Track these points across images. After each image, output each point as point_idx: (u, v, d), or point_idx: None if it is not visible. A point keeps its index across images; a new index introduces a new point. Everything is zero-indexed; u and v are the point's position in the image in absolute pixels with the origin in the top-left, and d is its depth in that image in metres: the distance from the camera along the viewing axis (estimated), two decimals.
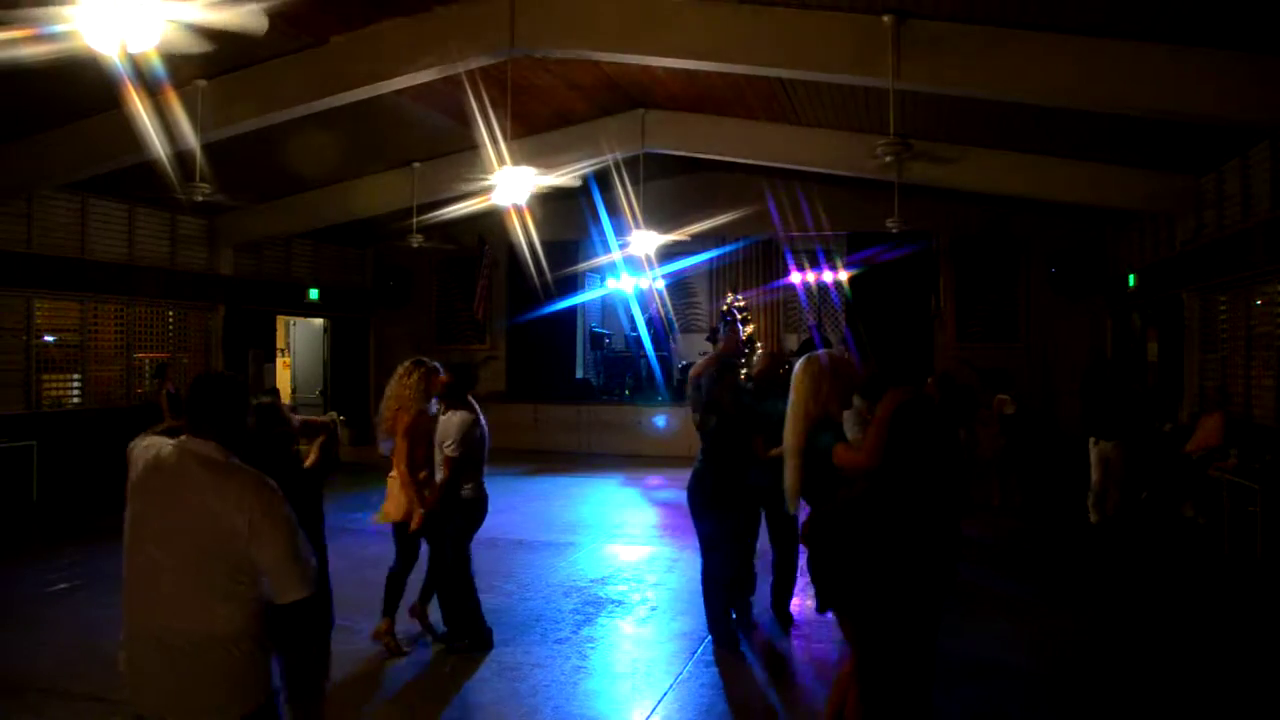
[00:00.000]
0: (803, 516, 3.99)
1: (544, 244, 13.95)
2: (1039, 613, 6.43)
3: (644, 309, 16.62)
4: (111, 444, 3.06)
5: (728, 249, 16.55)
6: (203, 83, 8.28)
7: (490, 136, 8.89)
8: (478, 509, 5.50)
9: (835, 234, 14.97)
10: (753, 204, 14.35)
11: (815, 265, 16.16)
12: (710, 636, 5.61)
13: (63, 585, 6.95)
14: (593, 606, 6.51)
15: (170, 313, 13.12)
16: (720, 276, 17.10)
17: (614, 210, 13.48)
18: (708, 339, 16.44)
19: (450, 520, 5.41)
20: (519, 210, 9.59)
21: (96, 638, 5.07)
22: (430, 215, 12.69)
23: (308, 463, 3.98)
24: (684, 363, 15.54)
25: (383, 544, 5.60)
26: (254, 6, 4.68)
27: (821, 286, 16.50)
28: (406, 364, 5.56)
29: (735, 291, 16.20)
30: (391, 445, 5.43)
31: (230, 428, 2.71)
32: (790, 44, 7.45)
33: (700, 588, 5.72)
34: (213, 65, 8.01)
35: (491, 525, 6.23)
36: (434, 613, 5.67)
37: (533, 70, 9.39)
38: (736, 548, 5.73)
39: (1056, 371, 14.27)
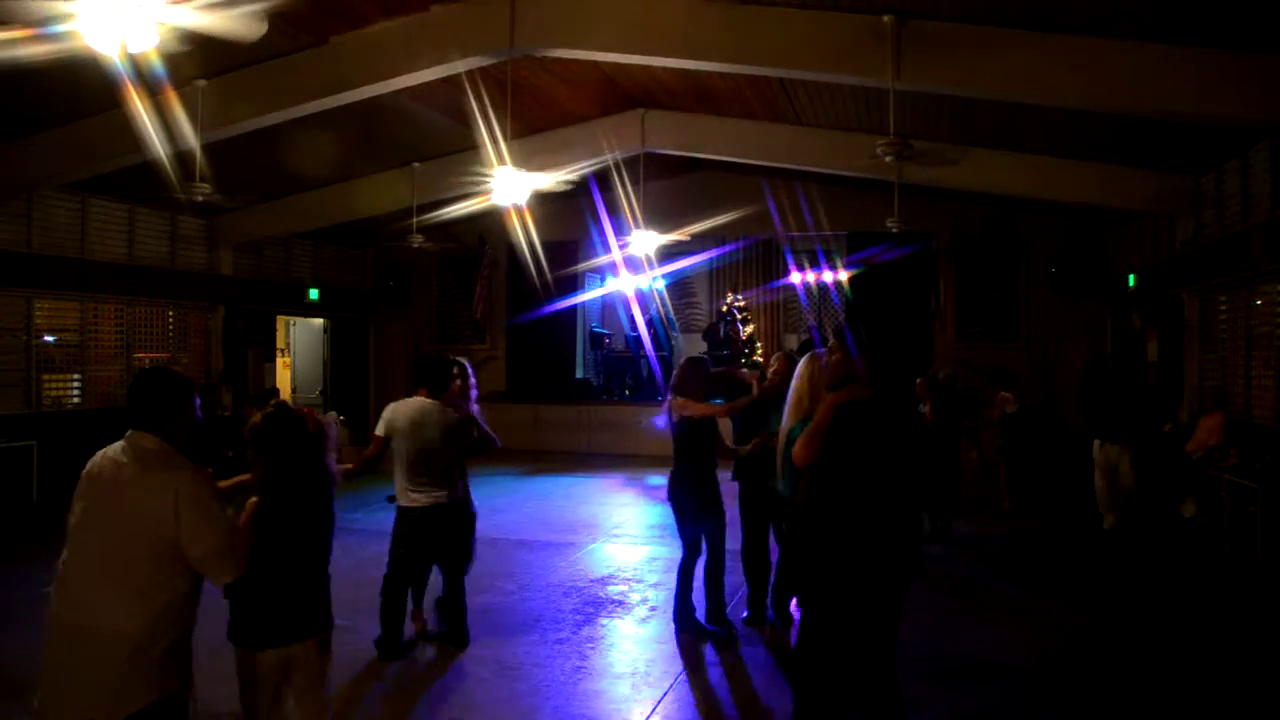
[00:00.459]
0: None
1: (544, 244, 13.95)
2: (1040, 613, 6.43)
3: (644, 309, 16.62)
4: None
5: (728, 249, 16.56)
6: (203, 83, 8.28)
7: (490, 136, 8.89)
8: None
9: (835, 234, 14.98)
10: (753, 204, 14.33)
11: (815, 265, 16.18)
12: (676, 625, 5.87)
13: None
14: (593, 606, 6.51)
15: (170, 313, 13.12)
16: (720, 276, 17.13)
17: (614, 210, 13.48)
18: (704, 338, 16.46)
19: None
20: (519, 210, 9.60)
21: None
22: (430, 215, 12.68)
23: (345, 468, 4.15)
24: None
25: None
26: (250, 9, 4.67)
27: (821, 286, 16.50)
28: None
29: (735, 291, 16.23)
30: None
31: (169, 421, 2.79)
32: (790, 44, 7.44)
33: (701, 584, 5.86)
34: (213, 65, 8.01)
35: (492, 525, 6.26)
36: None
37: (533, 70, 9.39)
38: (719, 543, 5.87)
39: (1057, 371, 14.28)
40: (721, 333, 16.15)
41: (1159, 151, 9.83)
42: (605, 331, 17.65)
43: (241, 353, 14.26)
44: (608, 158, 11.66)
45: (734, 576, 6.47)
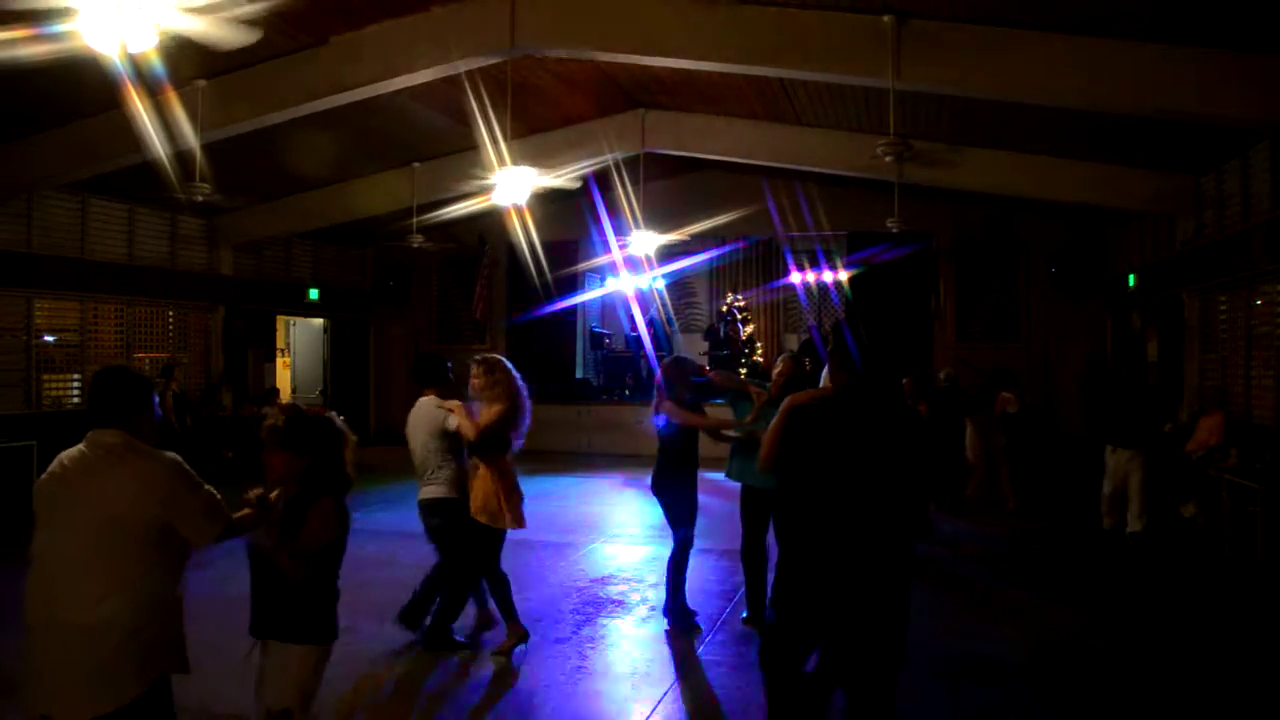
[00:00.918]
0: None
1: (544, 244, 13.94)
2: (1042, 612, 6.43)
3: (644, 309, 16.61)
4: None
5: (728, 249, 16.55)
6: (203, 83, 8.29)
7: (490, 136, 8.89)
8: None
9: (835, 234, 14.98)
10: (753, 204, 14.33)
11: (815, 265, 16.17)
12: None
13: None
14: (593, 606, 6.51)
15: (170, 313, 13.12)
16: (720, 276, 17.12)
17: (614, 210, 13.47)
18: (705, 337, 16.45)
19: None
20: (519, 210, 9.59)
21: None
22: (430, 215, 12.69)
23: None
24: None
25: (381, 544, 5.60)
26: (241, 15, 4.66)
27: (821, 286, 16.49)
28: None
29: (735, 291, 16.22)
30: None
31: (132, 418, 2.85)
32: (790, 44, 7.44)
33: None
34: (213, 65, 8.01)
35: None
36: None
37: (533, 70, 9.39)
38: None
39: (1057, 371, 14.28)
40: (721, 333, 16.16)
41: (1159, 151, 9.83)
42: (605, 331, 17.65)
43: (241, 353, 14.26)
44: (608, 158, 11.66)
45: (736, 576, 6.49)
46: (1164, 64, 6.81)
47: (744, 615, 6.10)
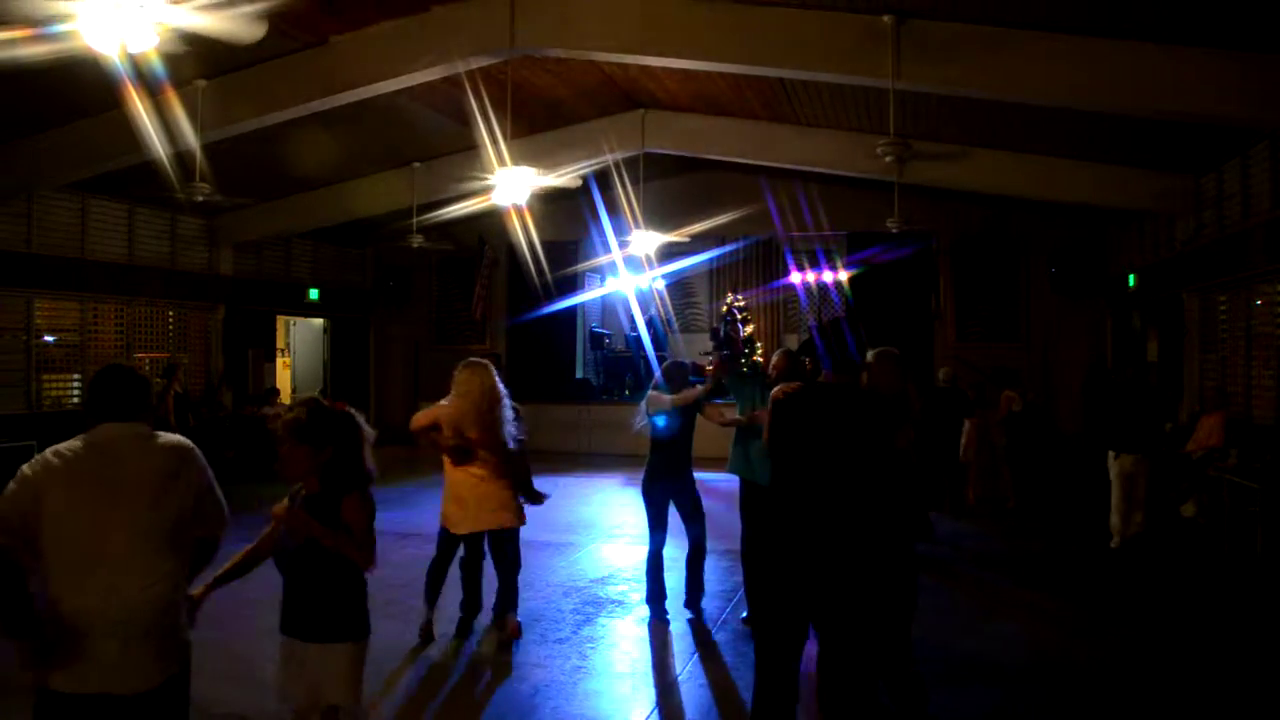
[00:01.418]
0: None
1: (544, 244, 13.94)
2: (1042, 612, 6.43)
3: (644, 309, 16.60)
4: None
5: (728, 249, 16.53)
6: (203, 83, 8.28)
7: (490, 136, 8.88)
8: None
9: (835, 234, 14.97)
10: (753, 204, 14.33)
11: (815, 265, 16.14)
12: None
13: None
14: (593, 606, 6.51)
15: (170, 313, 13.12)
16: (720, 276, 17.10)
17: (614, 210, 13.47)
18: (711, 339, 16.43)
19: None
20: (519, 210, 9.59)
21: None
22: (430, 215, 12.68)
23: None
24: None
25: (381, 543, 5.59)
26: (250, 10, 4.67)
27: (821, 286, 16.48)
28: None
29: (735, 291, 16.20)
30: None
31: (146, 412, 2.94)
32: (790, 44, 7.44)
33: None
34: (213, 65, 8.02)
35: None
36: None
37: (533, 70, 9.39)
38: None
39: (1057, 371, 14.28)
40: (721, 333, 16.14)
41: (1159, 151, 9.83)
42: (605, 331, 17.63)
43: (241, 353, 14.26)
44: (608, 158, 11.66)
45: (736, 576, 6.49)
46: (1164, 64, 6.80)
47: (743, 615, 6.10)
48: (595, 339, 17.42)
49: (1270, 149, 8.56)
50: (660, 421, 6.06)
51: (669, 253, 15.11)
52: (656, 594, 6.16)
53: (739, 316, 15.72)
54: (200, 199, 9.07)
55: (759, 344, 16.47)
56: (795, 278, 16.25)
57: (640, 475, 6.33)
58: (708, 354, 15.93)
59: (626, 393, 16.22)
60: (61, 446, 2.81)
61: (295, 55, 8.27)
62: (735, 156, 12.09)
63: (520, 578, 5.86)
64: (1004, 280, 14.78)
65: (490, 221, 14.53)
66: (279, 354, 16.23)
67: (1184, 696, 4.93)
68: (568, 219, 15.13)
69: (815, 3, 7.19)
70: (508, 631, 5.63)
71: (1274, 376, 8.66)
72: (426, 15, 7.86)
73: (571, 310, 16.60)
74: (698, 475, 6.26)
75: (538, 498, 5.80)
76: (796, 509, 3.71)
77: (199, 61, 7.62)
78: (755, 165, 12.78)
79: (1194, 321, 10.58)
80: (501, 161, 8.58)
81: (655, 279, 15.81)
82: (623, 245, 13.38)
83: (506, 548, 5.70)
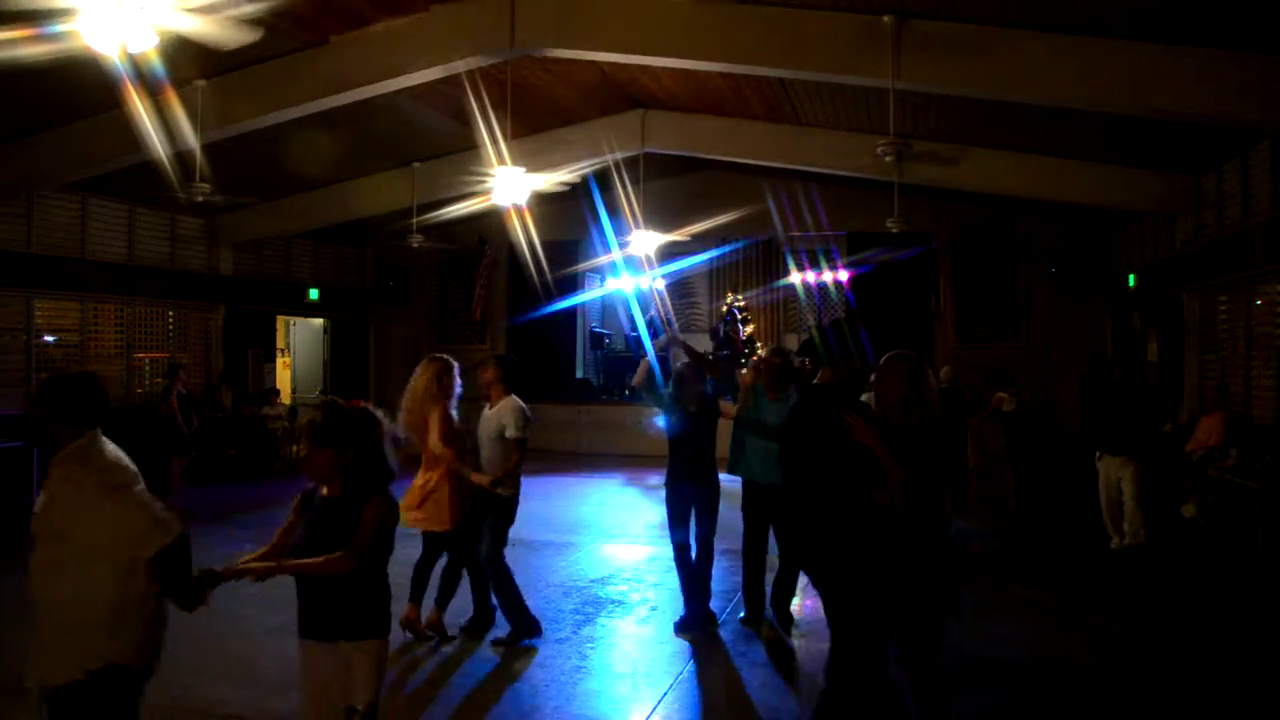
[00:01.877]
0: None
1: (544, 244, 13.94)
2: (1042, 611, 6.43)
3: (644, 309, 16.60)
4: None
5: (728, 249, 16.53)
6: (203, 83, 8.29)
7: (490, 136, 8.89)
8: (514, 505, 5.74)
9: (835, 234, 14.97)
10: (753, 204, 14.34)
11: (815, 265, 16.14)
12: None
13: None
14: (593, 606, 6.52)
15: (170, 313, 13.12)
16: (720, 276, 17.09)
17: (614, 210, 13.47)
18: (710, 339, 16.42)
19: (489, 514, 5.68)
20: (519, 210, 9.59)
21: None
22: (430, 215, 12.69)
23: None
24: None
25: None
26: (240, 15, 4.66)
27: (821, 286, 16.48)
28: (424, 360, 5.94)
29: (735, 291, 16.19)
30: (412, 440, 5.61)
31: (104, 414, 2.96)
32: (790, 44, 7.44)
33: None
34: (213, 65, 8.01)
35: None
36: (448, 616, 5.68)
37: (533, 70, 9.39)
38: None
39: (1057, 371, 14.28)
40: (721, 332, 16.13)
41: (1159, 151, 9.83)
42: (605, 331, 17.64)
43: (241, 353, 14.26)
44: (608, 158, 11.66)
45: (736, 576, 6.49)
46: (1164, 64, 6.80)
47: (741, 615, 6.10)
48: (595, 339, 17.42)
49: (1270, 149, 8.56)
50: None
51: (669, 253, 15.12)
52: (692, 592, 5.94)
53: (739, 316, 15.72)
54: (200, 199, 9.07)
55: (759, 344, 16.46)
56: (795, 278, 16.25)
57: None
58: (709, 353, 15.93)
59: (626, 393, 16.20)
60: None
61: (295, 55, 8.27)
62: (735, 156, 12.09)
63: (520, 578, 5.86)
64: (1004, 280, 14.78)
65: (490, 221, 14.53)
66: (279, 354, 16.23)
67: (1184, 696, 4.93)
68: (568, 219, 15.13)
69: (815, 3, 7.19)
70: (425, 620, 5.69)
71: (1274, 376, 8.66)
72: (426, 15, 7.86)
73: (571, 310, 16.60)
74: None
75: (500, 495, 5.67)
76: (796, 507, 3.86)
77: (199, 61, 7.62)
78: (755, 165, 12.79)
79: (1194, 321, 10.58)
80: (501, 161, 8.59)
81: (655, 279, 15.82)
82: (623, 245, 13.39)
83: (441, 551, 5.76)
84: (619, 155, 11.71)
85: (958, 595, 3.75)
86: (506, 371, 5.93)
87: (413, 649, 5.54)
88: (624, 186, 12.45)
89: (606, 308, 18.41)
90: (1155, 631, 6.03)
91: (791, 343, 16.29)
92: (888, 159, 7.50)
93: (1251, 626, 6.16)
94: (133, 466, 2.88)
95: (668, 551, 6.17)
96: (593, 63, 9.19)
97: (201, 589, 2.91)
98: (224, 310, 13.84)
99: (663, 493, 6.06)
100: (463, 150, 11.33)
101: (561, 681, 5.05)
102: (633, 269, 15.03)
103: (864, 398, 4.84)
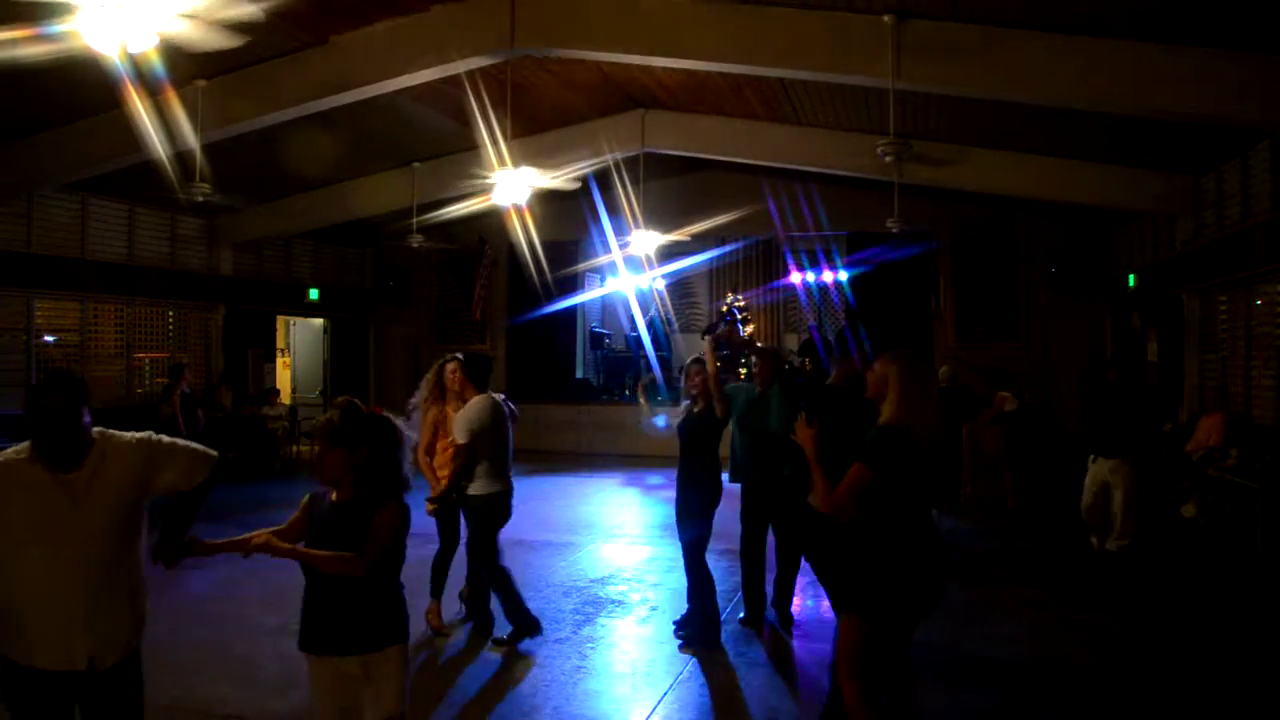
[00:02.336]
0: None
1: (544, 244, 13.95)
2: (1041, 611, 6.43)
3: (644, 309, 16.61)
4: None
5: (728, 249, 16.54)
6: (203, 83, 8.29)
7: (490, 136, 8.89)
8: (497, 503, 5.67)
9: (835, 234, 14.98)
10: (753, 204, 14.34)
11: (815, 265, 16.15)
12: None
13: None
14: (593, 606, 6.52)
15: (170, 313, 13.13)
16: (720, 276, 17.10)
17: (614, 210, 13.48)
18: (703, 336, 16.41)
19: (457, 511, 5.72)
20: (519, 210, 9.60)
21: None
22: (430, 215, 12.69)
23: None
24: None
25: None
26: (243, 13, 4.67)
27: (821, 286, 16.49)
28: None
29: (735, 291, 16.19)
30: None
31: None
32: (790, 44, 7.45)
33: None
34: (213, 65, 8.01)
35: None
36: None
37: (533, 70, 9.39)
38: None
39: (1057, 371, 14.27)
40: (719, 328, 16.09)
41: (1159, 151, 9.83)
42: (605, 331, 17.64)
43: (241, 353, 14.26)
44: (608, 158, 11.66)
45: (736, 576, 6.49)
46: (1164, 64, 6.80)
47: (741, 616, 6.10)
48: (595, 339, 17.43)
49: (1270, 149, 8.56)
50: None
51: (669, 253, 15.12)
52: (696, 595, 5.68)
53: (739, 316, 15.72)
54: (200, 199, 9.07)
55: (759, 344, 16.46)
56: (795, 278, 16.26)
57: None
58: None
59: (626, 393, 16.22)
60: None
61: (295, 55, 8.27)
62: (735, 156, 12.08)
63: (520, 578, 5.88)
64: (1004, 280, 14.78)
65: (490, 221, 14.54)
66: (279, 354, 16.24)
67: (1184, 696, 4.93)
68: (568, 219, 15.13)
69: (815, 3, 7.19)
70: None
71: (1274, 376, 8.66)
72: (426, 15, 7.86)
73: (571, 310, 16.61)
74: None
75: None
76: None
77: (199, 61, 7.61)
78: (755, 165, 12.79)
79: (1194, 321, 10.58)
80: (502, 161, 8.58)
81: (655, 279, 15.83)
82: (623, 245, 13.38)
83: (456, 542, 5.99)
84: (619, 155, 11.71)
85: (939, 594, 3.64)
86: (472, 371, 5.75)
87: (412, 650, 5.54)
88: (624, 186, 12.44)
89: (606, 308, 18.41)
90: (1155, 631, 6.03)
91: (791, 343, 16.32)
92: (888, 159, 7.50)
93: (1251, 626, 6.16)
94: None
95: (668, 552, 6.17)
96: (593, 63, 9.19)
97: (187, 552, 2.97)
98: (224, 310, 13.85)
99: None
100: (463, 150, 11.33)
101: (561, 681, 5.05)
102: (633, 269, 15.04)
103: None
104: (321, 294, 15.81)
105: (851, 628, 3.45)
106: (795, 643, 5.77)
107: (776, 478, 5.71)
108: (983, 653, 5.48)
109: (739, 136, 11.35)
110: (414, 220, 12.50)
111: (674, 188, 14.51)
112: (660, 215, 13.30)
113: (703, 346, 5.84)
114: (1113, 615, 6.36)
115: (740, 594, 6.27)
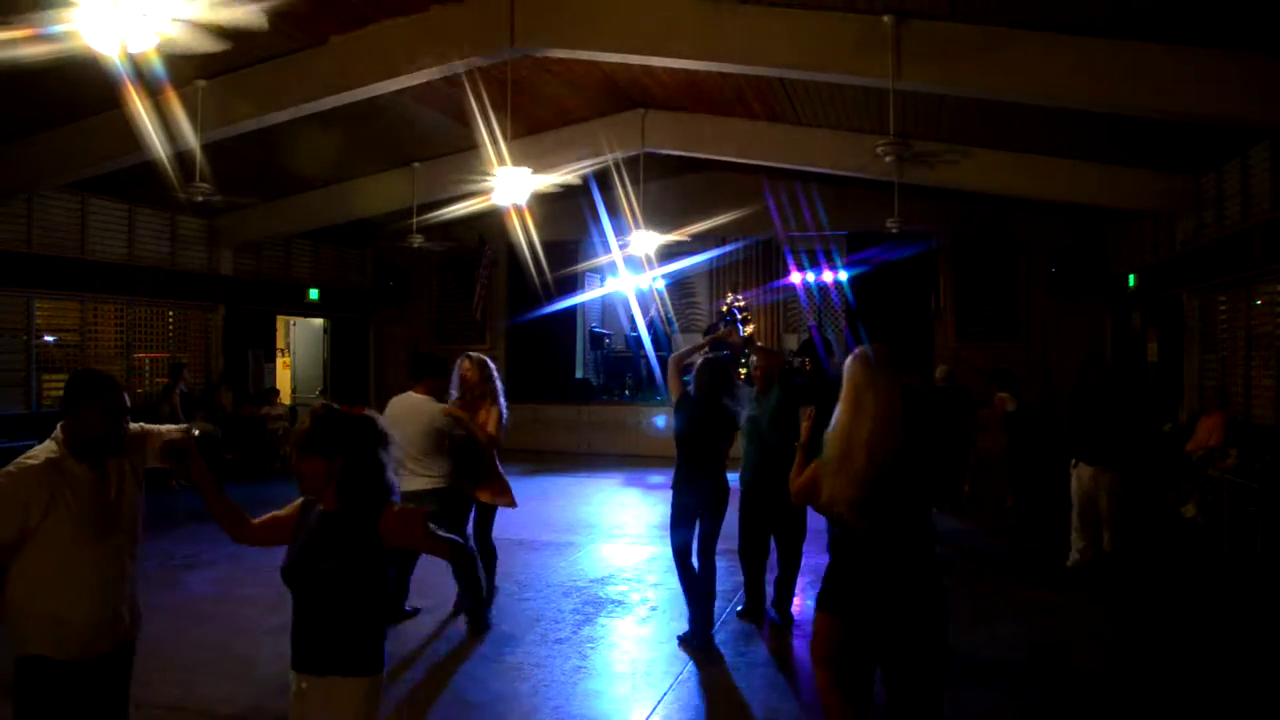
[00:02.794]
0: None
1: (544, 244, 13.95)
2: (1040, 611, 6.43)
3: (644, 309, 16.61)
4: None
5: (728, 249, 16.54)
6: (203, 83, 8.28)
7: (490, 136, 8.89)
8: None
9: (835, 234, 14.97)
10: (753, 204, 14.34)
11: (815, 265, 16.15)
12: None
13: None
14: (593, 606, 6.52)
15: (170, 313, 13.13)
16: (720, 276, 17.10)
17: (614, 210, 13.48)
18: (705, 335, 16.42)
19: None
20: (519, 210, 9.60)
21: None
22: (430, 215, 12.69)
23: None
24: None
25: None
26: (238, 15, 4.67)
27: (821, 286, 16.49)
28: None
29: (735, 291, 16.20)
30: None
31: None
32: (790, 44, 7.44)
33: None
34: (213, 65, 8.00)
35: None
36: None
37: (533, 70, 9.39)
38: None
39: (1058, 371, 14.27)
40: (720, 327, 16.11)
41: (1159, 151, 9.83)
42: (605, 331, 17.64)
43: (241, 353, 14.26)
44: (608, 158, 11.65)
45: (736, 576, 6.49)
46: (1164, 64, 6.80)
47: (739, 609, 6.11)
48: (595, 339, 17.43)
49: (1270, 149, 8.56)
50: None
51: (669, 253, 15.13)
52: (694, 599, 5.66)
53: (739, 316, 15.73)
54: (200, 199, 9.07)
55: (759, 344, 16.46)
56: (795, 278, 16.26)
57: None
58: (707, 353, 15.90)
59: (626, 393, 16.23)
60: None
61: (295, 55, 8.27)
62: (735, 156, 12.08)
63: (520, 578, 5.90)
64: (1004, 280, 14.79)
65: (490, 221, 14.54)
66: (279, 354, 16.23)
67: (1184, 696, 4.94)
68: (568, 219, 15.13)
69: (815, 3, 7.19)
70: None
71: (1274, 376, 8.66)
72: (426, 15, 7.85)
73: (571, 310, 16.60)
74: None
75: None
76: None
77: (199, 61, 7.60)
78: (755, 165, 12.79)
79: (1194, 321, 10.58)
80: (501, 161, 8.59)
81: (655, 279, 15.83)
82: (623, 245, 13.39)
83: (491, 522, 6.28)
84: (619, 155, 11.71)
85: (919, 603, 3.60)
86: (413, 368, 6.21)
87: (412, 649, 5.54)
88: (624, 186, 12.45)
89: (606, 308, 18.42)
90: (1155, 631, 6.03)
91: (791, 343, 16.33)
92: (888, 159, 7.50)
93: (1251, 626, 6.16)
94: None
95: (668, 552, 6.16)
96: (593, 63, 9.19)
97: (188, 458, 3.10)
98: (224, 310, 13.85)
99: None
100: (463, 150, 11.33)
101: (561, 681, 5.05)
102: (633, 269, 15.03)
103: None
104: (321, 294, 15.81)
105: (821, 620, 3.48)
106: (795, 642, 5.77)
107: (776, 480, 5.70)
108: (983, 653, 5.48)
109: (739, 136, 11.34)
110: (414, 220, 12.50)
111: (674, 188, 14.51)
112: (660, 215, 13.30)
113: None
114: (1113, 615, 6.36)
115: (740, 593, 6.28)
